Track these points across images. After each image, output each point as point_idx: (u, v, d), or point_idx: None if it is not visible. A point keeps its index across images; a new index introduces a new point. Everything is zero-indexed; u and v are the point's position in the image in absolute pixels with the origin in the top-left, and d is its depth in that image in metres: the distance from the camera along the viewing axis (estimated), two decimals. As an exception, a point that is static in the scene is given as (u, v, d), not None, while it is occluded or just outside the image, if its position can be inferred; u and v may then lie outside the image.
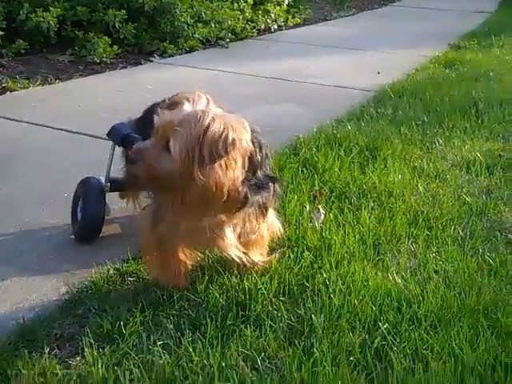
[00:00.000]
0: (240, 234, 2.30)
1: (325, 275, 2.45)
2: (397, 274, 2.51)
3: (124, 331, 2.13)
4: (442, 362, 2.02)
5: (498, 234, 2.87)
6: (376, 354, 2.06)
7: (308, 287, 2.40)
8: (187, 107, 2.07)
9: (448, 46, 7.41)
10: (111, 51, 6.10)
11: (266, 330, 2.15)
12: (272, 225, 2.45)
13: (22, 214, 2.96)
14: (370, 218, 2.92)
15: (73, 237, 2.78)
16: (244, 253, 2.35)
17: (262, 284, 2.37)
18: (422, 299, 2.33)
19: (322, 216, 2.92)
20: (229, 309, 2.26)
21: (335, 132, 3.99)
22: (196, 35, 6.86)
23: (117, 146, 2.76)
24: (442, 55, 6.79)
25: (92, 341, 2.08)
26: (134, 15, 6.50)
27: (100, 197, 2.75)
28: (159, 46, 6.58)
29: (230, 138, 1.97)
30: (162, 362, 2.00)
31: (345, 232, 2.77)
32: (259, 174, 2.18)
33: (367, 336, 2.13)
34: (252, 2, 7.89)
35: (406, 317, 2.22)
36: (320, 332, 2.14)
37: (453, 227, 2.89)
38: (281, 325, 2.19)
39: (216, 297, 2.32)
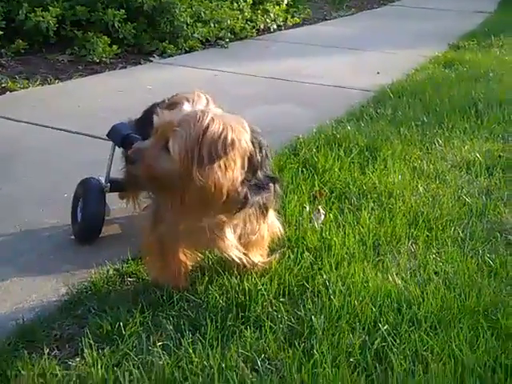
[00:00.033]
0: (240, 235, 2.29)
1: (325, 276, 2.45)
2: (397, 275, 2.51)
3: (124, 332, 2.13)
4: (441, 363, 2.02)
5: (498, 235, 2.86)
6: (376, 356, 2.06)
7: (308, 288, 2.40)
8: (187, 107, 2.07)
9: (447, 46, 7.41)
10: (111, 51, 6.10)
11: (266, 331, 2.15)
12: (272, 225, 2.44)
13: (21, 214, 2.96)
14: (370, 218, 2.92)
15: (73, 237, 2.78)
16: (244, 253, 2.35)
17: (262, 285, 2.37)
18: (421, 300, 2.33)
19: (322, 216, 2.92)
20: (229, 310, 2.26)
21: (335, 132, 3.99)
22: (195, 35, 6.86)
23: (117, 147, 2.76)
24: (441, 55, 6.79)
25: (92, 341, 2.07)
26: (134, 15, 6.49)
27: (100, 197, 2.75)
28: (159, 46, 6.57)
29: (230, 138, 1.97)
30: (161, 362, 2.00)
31: (345, 233, 2.77)
32: (259, 174, 2.18)
33: (367, 337, 2.13)
34: (251, 2, 7.89)
35: (406, 318, 2.22)
36: (320, 333, 2.13)
37: (453, 228, 2.89)
38: (281, 326, 2.19)
39: (216, 298, 2.32)
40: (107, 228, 2.80)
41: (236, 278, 2.41)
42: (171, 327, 2.17)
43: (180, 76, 5.73)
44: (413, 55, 6.78)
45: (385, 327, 2.17)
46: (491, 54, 6.91)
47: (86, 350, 2.04)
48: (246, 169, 2.09)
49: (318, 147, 3.73)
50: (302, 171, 3.40)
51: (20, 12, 5.80)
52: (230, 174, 2.02)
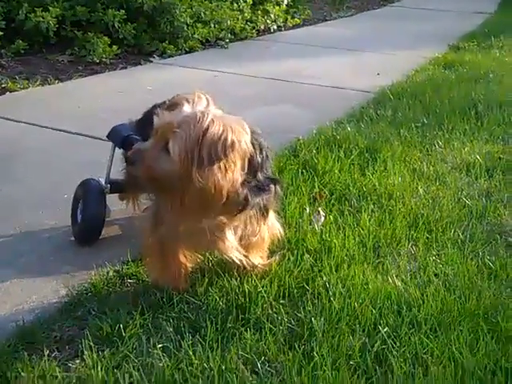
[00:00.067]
0: (241, 237, 2.29)
1: (325, 278, 2.45)
2: (397, 277, 2.51)
3: (124, 334, 2.13)
4: (441, 366, 2.02)
5: (498, 237, 2.86)
6: (376, 358, 2.06)
7: (308, 290, 2.39)
8: (187, 108, 2.07)
9: (447, 47, 7.41)
10: (111, 51, 6.09)
11: (266, 333, 2.15)
12: (272, 227, 2.44)
13: (21, 216, 2.95)
14: (370, 220, 2.92)
15: (73, 238, 2.77)
16: (244, 255, 2.34)
17: (262, 287, 2.37)
18: (421, 303, 2.33)
19: (322, 218, 2.92)
20: (229, 312, 2.26)
21: (335, 134, 3.99)
22: (195, 35, 6.86)
23: (117, 148, 2.76)
24: (441, 56, 6.79)
25: (92, 343, 2.07)
26: (134, 15, 6.49)
27: (100, 198, 2.75)
28: (159, 47, 6.57)
29: (229, 140, 1.97)
30: (161, 364, 2.00)
31: (345, 235, 2.77)
32: (260, 175, 2.18)
33: (367, 340, 2.13)
34: (251, 2, 7.88)
35: (405, 320, 2.22)
36: (320, 335, 2.14)
37: (453, 230, 2.89)
38: (281, 328, 2.18)
39: (216, 299, 2.32)
40: (107, 229, 2.80)
41: (236, 279, 2.41)
42: (171, 329, 2.17)
43: (180, 76, 5.73)
44: (413, 56, 6.78)
45: (385, 329, 2.17)
46: (491, 55, 6.91)
47: (86, 352, 2.04)
48: (246, 170, 2.09)
49: (317, 148, 3.73)
50: (302, 173, 3.40)
51: (20, 12, 5.80)
52: (230, 175, 2.02)
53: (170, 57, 6.49)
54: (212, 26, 7.09)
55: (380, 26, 9.08)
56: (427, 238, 2.83)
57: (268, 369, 2.01)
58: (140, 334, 2.14)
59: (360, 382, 1.96)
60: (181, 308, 2.28)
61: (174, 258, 2.36)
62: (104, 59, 6.03)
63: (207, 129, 1.96)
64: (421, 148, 3.91)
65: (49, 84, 5.29)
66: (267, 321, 2.21)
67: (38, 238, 2.81)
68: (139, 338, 2.12)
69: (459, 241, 2.81)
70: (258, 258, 2.47)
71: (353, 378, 1.97)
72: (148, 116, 2.56)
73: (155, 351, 2.05)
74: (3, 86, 5.09)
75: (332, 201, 3.12)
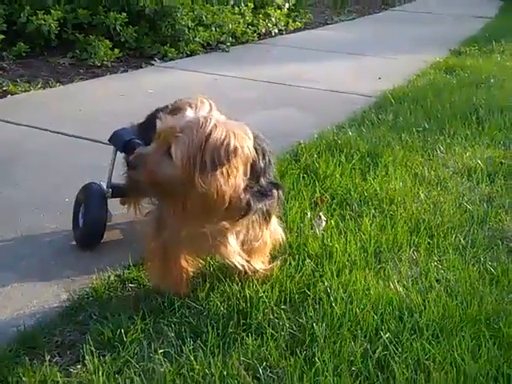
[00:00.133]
0: (243, 241, 2.29)
1: (326, 283, 2.45)
2: (398, 282, 2.50)
3: (125, 339, 2.12)
4: (443, 372, 2.01)
5: (500, 242, 2.86)
6: (378, 364, 2.06)
7: (309, 295, 2.39)
8: (190, 113, 2.06)
9: (448, 51, 7.42)
10: (112, 54, 6.11)
11: (268, 338, 2.14)
12: (274, 232, 2.44)
13: (22, 219, 2.95)
14: (371, 225, 2.91)
15: (74, 242, 2.77)
16: (246, 260, 2.34)
17: (264, 292, 2.37)
18: (423, 308, 2.32)
19: (323, 223, 2.92)
20: (230, 317, 2.25)
21: (336, 138, 3.98)
22: (197, 39, 6.87)
23: (118, 152, 2.75)
24: (442, 61, 6.80)
25: (93, 348, 2.07)
26: (135, 18, 6.51)
27: (102, 203, 2.74)
28: (160, 50, 6.59)
29: (232, 145, 1.96)
30: (162, 370, 1.99)
31: (346, 240, 2.76)
32: (262, 180, 2.18)
33: (369, 345, 2.12)
34: (253, 6, 7.90)
35: (407, 326, 2.21)
36: (321, 341, 2.13)
37: (454, 235, 2.88)
38: (282, 333, 2.18)
39: (217, 304, 2.31)
40: (108, 234, 2.79)
41: (237, 284, 2.41)
42: (172, 334, 2.16)
43: (181, 80, 5.73)
44: (414, 60, 6.79)
45: (386, 335, 2.16)
46: (492, 60, 6.92)
47: (87, 357, 2.03)
48: (248, 176, 2.08)
49: (319, 153, 3.73)
50: (303, 177, 3.39)
51: (22, 15, 5.82)
52: (233, 180, 2.02)
53: (171, 60, 6.50)
54: (213, 29, 7.11)
55: (381, 30, 9.09)
56: (428, 243, 2.82)
57: (269, 374, 2.00)
58: (141, 338, 2.14)
59: (362, 388, 1.96)
60: (182, 313, 2.27)
61: (176, 263, 2.35)
62: (105, 62, 6.05)
63: (210, 134, 1.96)
64: (422, 153, 3.90)
65: (50, 87, 5.30)
66: (269, 326, 2.20)
67: (39, 241, 2.80)
68: (140, 342, 2.12)
69: (461, 246, 2.81)
70: (260, 263, 2.46)
71: (354, 384, 1.97)
72: (150, 120, 2.56)
73: (156, 356, 2.05)
74: (4, 88, 5.10)
75: (333, 205, 3.12)
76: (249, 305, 2.30)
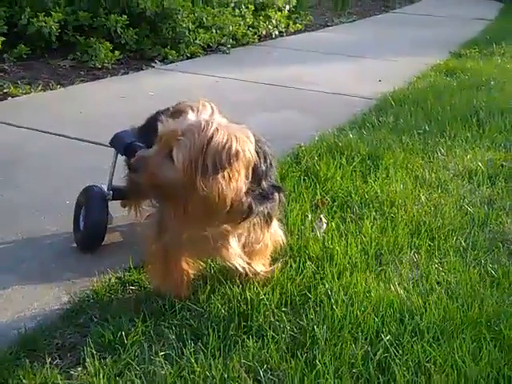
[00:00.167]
0: (244, 244, 2.29)
1: (327, 286, 2.45)
2: (399, 285, 2.50)
3: (126, 341, 2.12)
4: (444, 374, 2.02)
5: (501, 244, 2.86)
6: (378, 366, 2.06)
7: (310, 298, 2.39)
8: (191, 116, 2.07)
9: (449, 53, 7.42)
10: (113, 56, 6.11)
11: (269, 341, 2.14)
12: (275, 234, 2.44)
13: (22, 221, 2.95)
14: (372, 227, 2.91)
15: (74, 245, 2.77)
16: (247, 263, 2.34)
17: (264, 294, 2.37)
18: (424, 311, 2.32)
19: (324, 225, 2.92)
20: (231, 319, 2.25)
21: (337, 140, 3.99)
22: (197, 41, 6.87)
23: (119, 154, 2.76)
24: (443, 63, 6.79)
25: (94, 351, 2.07)
26: (136, 21, 6.51)
27: (102, 205, 2.74)
28: (160, 52, 6.59)
29: (234, 149, 1.96)
30: (163, 372, 2.00)
31: (347, 242, 2.77)
32: (264, 184, 2.18)
33: (370, 348, 2.13)
34: (253, 8, 7.90)
35: (408, 328, 2.22)
36: (322, 343, 2.13)
37: (455, 238, 2.89)
38: (283, 336, 2.18)
39: (218, 307, 2.32)
40: (109, 236, 2.79)
41: (238, 287, 2.41)
42: (173, 336, 2.17)
43: (181, 82, 5.73)
44: (414, 63, 6.79)
45: (387, 338, 2.16)
46: (493, 62, 6.92)
47: (87, 360, 2.04)
48: (250, 179, 2.08)
49: (319, 155, 3.73)
50: (304, 179, 3.39)
51: (22, 17, 5.81)
52: (234, 184, 2.02)
53: (171, 62, 6.50)
54: (214, 31, 7.10)
55: (382, 32, 9.09)
56: (429, 245, 2.82)
57: (270, 377, 2.00)
58: (142, 341, 2.14)
59: (363, 391, 1.96)
60: (183, 315, 2.27)
61: (177, 265, 2.35)
62: (106, 64, 6.04)
63: (212, 137, 1.96)
64: (423, 155, 3.90)
65: (51, 89, 5.30)
66: (269, 328, 2.20)
67: (40, 244, 2.80)
68: (141, 345, 2.12)
69: (461, 248, 2.81)
70: (261, 266, 2.46)
71: (355, 387, 1.97)
72: (151, 122, 2.56)
73: (157, 359, 2.05)
74: (5, 90, 5.10)
75: (334, 208, 3.12)
76: (249, 307, 2.30)
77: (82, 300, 2.38)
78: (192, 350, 2.09)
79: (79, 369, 2.03)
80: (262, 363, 2.04)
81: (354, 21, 10.26)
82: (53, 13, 5.87)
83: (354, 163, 3.63)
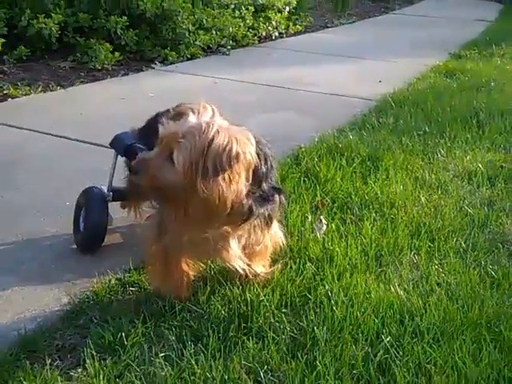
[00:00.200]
0: (245, 245, 2.29)
1: (327, 287, 2.45)
2: (399, 286, 2.50)
3: (126, 342, 2.13)
4: (445, 375, 2.02)
5: (501, 245, 2.86)
6: (379, 368, 2.06)
7: (310, 299, 2.39)
8: (192, 119, 2.06)
9: (449, 54, 7.42)
10: (113, 58, 6.11)
11: (269, 342, 2.14)
12: (275, 235, 2.44)
13: (22, 223, 2.95)
14: (372, 229, 2.92)
15: (74, 246, 2.77)
16: (247, 264, 2.34)
17: (264, 295, 2.37)
18: (424, 312, 2.32)
19: (324, 227, 2.92)
20: (231, 320, 2.25)
21: (337, 142, 3.99)
22: (197, 42, 6.87)
23: (119, 156, 2.76)
24: (442, 64, 6.80)
25: (94, 352, 2.07)
26: (136, 22, 6.51)
27: (102, 206, 2.74)
28: (160, 53, 6.58)
29: (234, 151, 1.96)
30: (163, 374, 2.00)
31: (347, 243, 2.77)
32: (264, 185, 2.18)
33: (370, 349, 2.13)
34: (253, 10, 7.90)
35: (408, 330, 2.22)
36: (322, 345, 2.13)
37: (455, 239, 2.89)
38: (283, 337, 2.18)
39: (218, 308, 2.32)
40: (109, 237, 2.79)
41: (238, 288, 2.41)
42: (173, 338, 2.17)
43: (181, 83, 5.73)
44: (414, 64, 6.79)
45: (387, 339, 2.16)
46: (492, 64, 6.92)
47: (88, 361, 2.04)
48: (250, 181, 2.08)
49: (319, 156, 3.73)
50: (304, 181, 3.40)
51: (22, 18, 5.81)
52: (235, 186, 2.02)
53: (171, 63, 6.50)
54: (214, 32, 7.11)
55: (381, 34, 9.09)
56: (429, 246, 2.82)
57: (271, 378, 2.00)
58: (142, 342, 2.14)
59: (363, 392, 1.96)
60: (183, 316, 2.28)
61: (177, 267, 2.35)
62: (106, 66, 6.04)
63: (212, 140, 1.96)
64: (423, 156, 3.91)
65: (51, 90, 5.30)
66: (269, 330, 2.21)
67: (40, 245, 2.80)
68: (141, 346, 2.12)
69: (461, 250, 2.81)
70: (261, 267, 2.47)
71: (356, 388, 1.97)
72: (151, 124, 2.56)
73: (157, 360, 2.05)
74: (5, 92, 5.10)
75: (334, 209, 3.12)
76: (250, 308, 2.30)
77: (82, 301, 2.38)
78: (192, 351, 2.09)
79: (79, 370, 2.03)
80: (262, 364, 2.04)
81: (353, 22, 10.27)
82: (53, 14, 5.87)
83: (354, 164, 3.64)
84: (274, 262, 2.55)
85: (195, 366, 2.02)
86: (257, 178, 2.12)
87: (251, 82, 5.84)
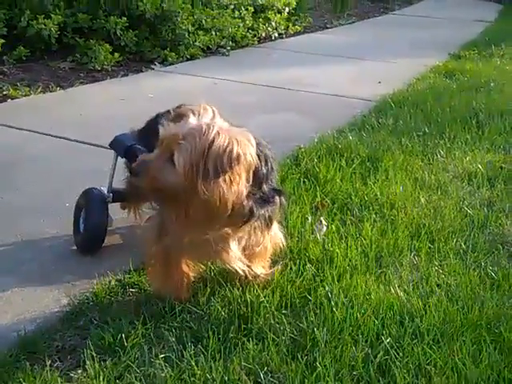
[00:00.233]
0: (245, 247, 2.29)
1: (327, 288, 2.45)
2: (399, 287, 2.50)
3: (126, 343, 2.12)
4: (445, 377, 2.02)
5: (500, 247, 2.86)
6: (379, 369, 2.06)
7: (310, 300, 2.39)
8: (192, 120, 2.06)
9: (448, 55, 7.42)
10: (112, 59, 6.10)
11: (269, 343, 2.14)
12: (275, 237, 2.44)
13: (22, 224, 2.95)
14: (372, 230, 2.91)
15: (74, 247, 2.77)
16: (247, 265, 2.34)
17: (264, 297, 2.37)
18: (424, 313, 2.32)
19: (324, 228, 2.92)
20: (231, 322, 2.25)
21: (336, 142, 3.99)
22: (197, 43, 6.87)
23: (119, 157, 2.76)
24: (442, 65, 6.80)
25: (94, 353, 2.07)
26: (135, 23, 6.50)
27: (102, 208, 2.74)
28: (160, 54, 6.58)
29: (235, 152, 1.96)
30: (163, 375, 2.00)
31: (347, 244, 2.77)
32: (264, 187, 2.18)
33: (370, 350, 2.12)
34: (253, 10, 7.90)
35: (408, 331, 2.22)
36: (322, 346, 2.13)
37: (455, 240, 2.89)
38: (283, 338, 2.18)
39: (218, 309, 2.32)
40: (109, 238, 2.79)
41: (238, 289, 2.41)
42: (173, 339, 2.16)
43: (181, 84, 5.73)
44: (413, 64, 6.80)
45: (387, 340, 2.16)
46: (492, 64, 6.92)
47: (88, 362, 2.04)
48: (251, 182, 2.09)
49: (319, 157, 3.73)
50: (304, 182, 3.40)
51: (22, 19, 5.81)
52: (235, 188, 2.02)
53: (171, 64, 6.50)
54: (213, 33, 7.10)
55: (381, 34, 9.09)
56: (429, 247, 2.82)
57: (271, 379, 2.00)
58: (142, 343, 2.14)
59: (363, 394, 1.96)
60: (183, 318, 2.27)
61: (177, 268, 2.35)
62: (105, 66, 6.04)
63: (213, 141, 1.96)
64: (422, 157, 3.91)
65: (50, 91, 5.30)
66: (270, 331, 2.20)
67: (39, 246, 2.80)
68: (141, 347, 2.12)
69: (461, 251, 2.81)
70: (261, 268, 2.47)
71: (356, 390, 1.97)
72: (151, 125, 2.56)
73: (157, 361, 2.05)
74: (5, 92, 5.09)
75: (334, 210, 3.12)
76: (250, 309, 2.30)
77: (82, 302, 2.38)
78: (192, 352, 2.09)
79: (79, 371, 2.03)
80: (262, 366, 2.04)
81: (353, 23, 10.27)
82: (52, 15, 5.87)
83: (354, 165, 3.64)
84: (273, 263, 2.55)
85: (195, 367, 2.02)
86: (257, 179, 2.12)
87: (251, 83, 5.84)
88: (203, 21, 7.03)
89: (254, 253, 2.35)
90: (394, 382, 2.00)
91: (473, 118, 4.69)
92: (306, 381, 1.98)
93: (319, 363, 2.04)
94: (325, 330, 2.20)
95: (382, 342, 2.16)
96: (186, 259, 2.35)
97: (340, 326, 2.23)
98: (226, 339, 2.17)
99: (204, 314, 2.31)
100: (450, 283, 2.55)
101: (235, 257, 2.25)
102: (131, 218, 2.90)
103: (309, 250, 2.70)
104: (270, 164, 2.19)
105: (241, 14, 7.72)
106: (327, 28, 9.64)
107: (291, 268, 2.57)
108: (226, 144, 1.96)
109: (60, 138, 4.14)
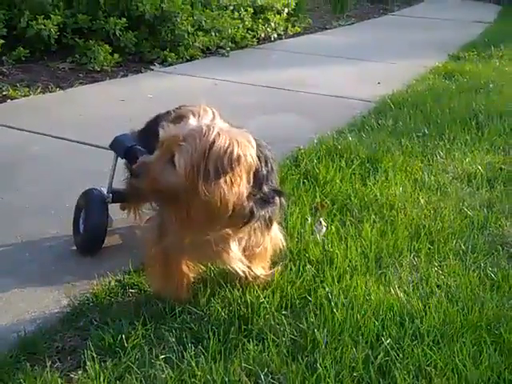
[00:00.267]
0: (245, 248, 2.29)
1: (327, 289, 2.45)
2: (399, 288, 2.50)
3: (126, 344, 2.12)
4: (445, 378, 2.02)
5: (500, 248, 2.86)
6: (379, 370, 2.06)
7: (310, 301, 2.39)
8: (192, 121, 2.06)
9: (447, 56, 7.42)
10: (112, 59, 6.10)
11: (269, 344, 2.14)
12: (275, 237, 2.44)
13: (22, 224, 2.95)
14: (371, 231, 2.91)
15: (74, 248, 2.77)
16: (247, 266, 2.34)
17: (265, 298, 2.37)
18: (424, 314, 2.32)
19: (324, 229, 2.92)
20: (231, 322, 2.25)
21: (336, 143, 3.99)
22: (196, 44, 6.87)
23: (119, 158, 2.76)
24: (441, 66, 6.80)
25: (94, 354, 2.07)
26: (135, 23, 6.51)
27: (102, 208, 2.74)
28: (159, 55, 6.58)
29: (236, 153, 1.96)
30: (164, 376, 2.00)
31: (347, 245, 2.77)
32: (265, 188, 2.18)
33: (370, 351, 2.12)
34: (252, 11, 7.90)
35: (408, 332, 2.22)
36: (323, 347, 2.13)
37: (454, 241, 2.89)
38: (283, 339, 2.18)
39: (218, 310, 2.32)
40: (109, 239, 2.79)
41: (238, 290, 2.41)
42: (173, 340, 2.16)
43: (181, 85, 5.73)
44: (413, 65, 6.80)
45: (388, 341, 2.16)
46: (491, 65, 6.92)
47: (88, 363, 2.04)
48: (251, 183, 2.09)
49: (319, 158, 3.73)
50: (304, 182, 3.40)
51: (22, 20, 5.81)
52: (236, 189, 2.02)
53: (170, 65, 6.50)
54: (213, 34, 7.11)
55: (380, 35, 9.09)
56: (429, 248, 2.82)
57: (271, 380, 2.00)
58: (142, 344, 2.14)
59: (363, 395, 1.96)
60: (183, 318, 2.27)
61: (177, 268, 2.35)
62: (105, 67, 6.04)
63: (213, 142, 1.96)
64: (422, 158, 3.91)
65: (50, 92, 5.30)
66: (270, 332, 2.20)
67: (40, 247, 2.80)
68: (141, 348, 2.12)
69: (461, 252, 2.81)
70: (261, 269, 2.47)
71: (356, 391, 1.97)
72: (151, 126, 2.57)
73: (158, 362, 2.05)
74: (4, 93, 5.09)
75: (333, 211, 3.12)
76: (250, 310, 2.30)
77: (82, 303, 2.38)
78: (192, 353, 2.09)
79: (79, 372, 2.03)
80: (262, 367, 2.04)
81: (352, 24, 10.27)
82: (52, 15, 5.87)
83: (354, 166, 3.64)
84: (273, 264, 2.55)
85: (195, 368, 2.01)
86: (257, 180, 2.12)
87: (251, 84, 5.85)
88: (203, 22, 7.03)
89: (254, 254, 2.35)
90: (395, 383, 2.00)
91: (472, 119, 4.69)
92: (307, 382, 1.98)
93: (319, 364, 2.04)
94: (325, 331, 2.20)
95: (382, 343, 2.16)
96: (186, 260, 2.35)
97: (340, 327, 2.23)
98: (227, 340, 2.17)
99: (204, 314, 2.31)
100: (450, 284, 2.55)
101: (235, 257, 2.25)
102: (131, 219, 2.90)
103: (309, 251, 2.70)
104: (270, 165, 2.19)
105: (240, 14, 7.73)
106: (326, 29, 9.64)
107: (291, 269, 2.57)
108: (226, 145, 1.96)
109: (60, 138, 4.14)
